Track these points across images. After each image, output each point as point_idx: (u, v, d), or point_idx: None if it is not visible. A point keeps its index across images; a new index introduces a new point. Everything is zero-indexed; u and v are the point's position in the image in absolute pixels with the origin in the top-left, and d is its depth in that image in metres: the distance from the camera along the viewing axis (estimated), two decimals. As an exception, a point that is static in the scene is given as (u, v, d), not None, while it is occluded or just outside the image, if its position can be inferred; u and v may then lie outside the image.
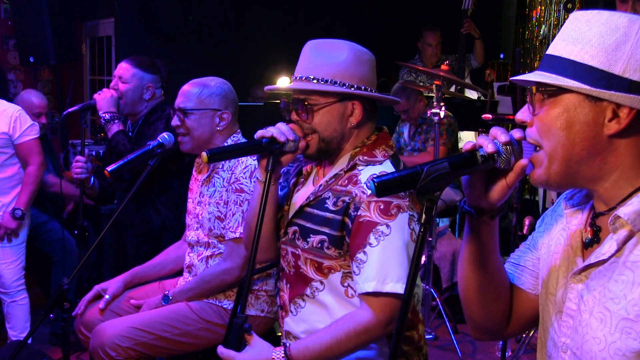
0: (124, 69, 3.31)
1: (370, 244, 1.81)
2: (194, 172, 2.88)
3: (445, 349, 3.94)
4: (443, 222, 5.19)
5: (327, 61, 1.92)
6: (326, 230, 1.90)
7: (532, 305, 1.46)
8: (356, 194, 1.87)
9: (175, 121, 2.70)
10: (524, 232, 3.80)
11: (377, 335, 1.85)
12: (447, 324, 3.98)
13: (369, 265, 1.81)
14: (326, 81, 1.91)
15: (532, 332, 3.68)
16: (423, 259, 3.94)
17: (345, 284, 1.92)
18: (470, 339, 4.14)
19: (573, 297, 1.31)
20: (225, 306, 2.66)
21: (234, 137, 2.75)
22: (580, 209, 1.36)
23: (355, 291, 1.89)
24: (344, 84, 1.91)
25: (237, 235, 2.56)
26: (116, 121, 3.25)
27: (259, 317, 2.67)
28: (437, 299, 4.03)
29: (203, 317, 2.62)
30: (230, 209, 2.59)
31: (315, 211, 1.95)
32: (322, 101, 1.93)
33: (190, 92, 2.70)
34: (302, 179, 2.13)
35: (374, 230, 1.81)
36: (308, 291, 1.97)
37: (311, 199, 1.97)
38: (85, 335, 2.69)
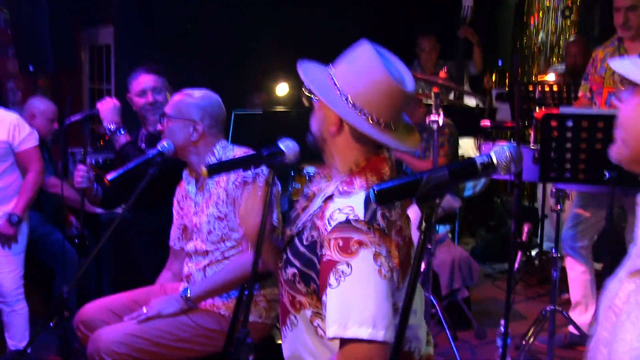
0: (153, 79, 3.35)
1: (330, 285, 1.64)
2: (183, 189, 2.89)
3: (445, 356, 3.94)
4: (443, 229, 5.20)
5: (351, 67, 1.78)
6: (297, 264, 1.77)
7: None
8: (321, 231, 1.71)
9: (160, 125, 2.79)
10: (523, 238, 3.80)
11: None
12: (447, 331, 3.97)
13: (329, 308, 1.65)
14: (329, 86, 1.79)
15: (531, 340, 3.68)
16: (422, 266, 3.94)
17: (315, 323, 1.78)
18: (470, 346, 4.14)
19: (623, 295, 1.31)
20: (223, 313, 2.66)
21: (221, 143, 2.77)
22: None
23: (324, 331, 1.72)
24: (343, 95, 1.76)
25: None
26: (122, 131, 3.29)
27: (257, 323, 2.66)
28: (437, 306, 4.03)
29: (200, 323, 2.62)
30: (240, 204, 2.60)
31: (296, 242, 1.81)
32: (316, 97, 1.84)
33: (174, 99, 2.80)
34: (307, 203, 1.97)
35: (333, 269, 1.64)
36: (288, 322, 1.85)
37: (300, 228, 1.83)
38: (84, 333, 2.69)
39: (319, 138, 1.85)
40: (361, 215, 1.66)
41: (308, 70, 1.81)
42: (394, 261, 1.66)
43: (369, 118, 1.74)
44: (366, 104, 1.74)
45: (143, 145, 3.37)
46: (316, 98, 1.82)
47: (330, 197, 1.77)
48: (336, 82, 1.77)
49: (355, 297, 1.61)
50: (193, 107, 2.75)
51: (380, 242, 1.65)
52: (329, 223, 1.70)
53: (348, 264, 1.62)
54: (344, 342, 1.63)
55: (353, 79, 1.75)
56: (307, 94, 1.83)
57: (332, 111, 1.76)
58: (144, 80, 3.35)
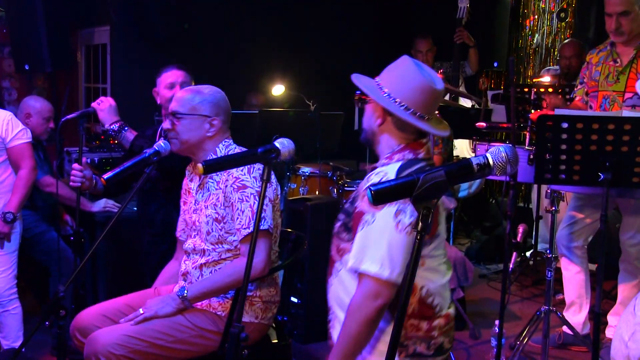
0: (183, 75, 3.37)
1: (358, 230, 2.05)
2: (186, 184, 2.91)
3: (440, 357, 3.95)
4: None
5: (392, 74, 2.17)
6: (342, 217, 2.17)
7: None
8: (360, 190, 2.13)
9: (167, 124, 2.77)
10: (518, 239, 3.82)
11: (369, 311, 2.00)
12: (442, 331, 3.99)
13: (353, 247, 2.06)
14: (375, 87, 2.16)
15: (525, 340, 3.69)
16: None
17: None
18: (465, 345, 4.15)
19: None
20: (219, 313, 2.67)
21: (225, 142, 2.79)
22: None
23: None
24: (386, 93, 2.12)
25: (252, 229, 2.58)
26: (126, 128, 3.30)
27: (253, 324, 2.67)
28: (432, 307, 4.04)
29: (197, 324, 2.62)
30: (238, 208, 2.62)
31: (346, 203, 2.23)
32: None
33: (184, 98, 2.77)
34: None
35: (362, 218, 2.05)
36: (333, 271, 2.20)
37: (351, 197, 2.22)
38: (80, 341, 2.68)
39: (369, 131, 2.23)
40: (392, 178, 2.00)
41: (360, 79, 2.23)
42: None
43: (408, 109, 2.11)
44: (405, 99, 2.11)
45: (161, 139, 3.37)
46: (367, 99, 2.19)
47: (374, 169, 2.17)
48: (382, 85, 2.16)
49: (372, 241, 2.01)
50: (207, 103, 2.75)
51: (405, 201, 1.94)
52: (366, 183, 2.11)
53: (373, 214, 2.02)
54: (360, 276, 2.03)
55: (395, 81, 2.15)
56: (359, 97, 2.13)
57: (378, 106, 2.17)
58: (175, 75, 3.39)
